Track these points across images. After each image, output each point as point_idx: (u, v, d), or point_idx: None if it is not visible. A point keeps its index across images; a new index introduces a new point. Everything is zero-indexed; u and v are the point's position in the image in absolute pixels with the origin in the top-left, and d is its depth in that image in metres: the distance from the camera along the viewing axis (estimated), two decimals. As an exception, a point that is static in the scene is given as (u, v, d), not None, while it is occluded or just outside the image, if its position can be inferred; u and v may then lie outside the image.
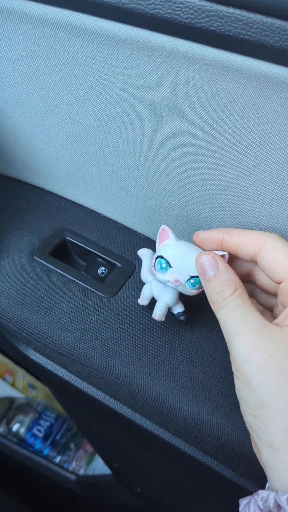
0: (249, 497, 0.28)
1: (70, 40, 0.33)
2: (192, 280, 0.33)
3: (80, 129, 0.40)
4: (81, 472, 0.69)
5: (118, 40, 0.31)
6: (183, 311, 0.37)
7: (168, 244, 0.34)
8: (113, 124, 0.38)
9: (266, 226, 0.36)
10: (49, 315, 0.39)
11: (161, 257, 0.33)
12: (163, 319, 0.36)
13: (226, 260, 0.32)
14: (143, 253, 0.40)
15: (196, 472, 0.42)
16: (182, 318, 0.38)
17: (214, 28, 0.26)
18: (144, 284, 0.38)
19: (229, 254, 0.33)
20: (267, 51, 0.26)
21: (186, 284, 0.33)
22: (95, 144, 0.41)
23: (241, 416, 0.35)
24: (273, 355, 0.27)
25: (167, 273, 0.33)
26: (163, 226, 0.35)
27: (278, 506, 0.26)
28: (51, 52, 0.35)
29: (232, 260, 0.35)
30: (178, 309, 0.37)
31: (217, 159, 0.34)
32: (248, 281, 0.35)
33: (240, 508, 0.29)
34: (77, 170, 0.45)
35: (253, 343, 0.27)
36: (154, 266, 0.34)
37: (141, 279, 0.42)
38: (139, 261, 0.44)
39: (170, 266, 0.33)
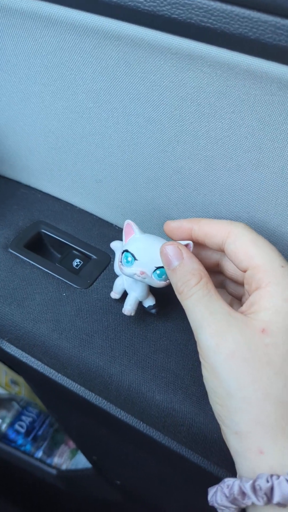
0: (216, 486, 0.29)
1: (38, 30, 0.33)
2: (158, 271, 0.33)
3: (53, 121, 0.40)
4: (64, 467, 0.69)
5: (84, 29, 0.31)
6: (154, 304, 0.37)
7: (134, 238, 0.34)
8: (84, 115, 0.38)
9: (236, 216, 0.37)
10: (22, 306, 0.39)
11: (127, 251, 0.33)
12: (132, 314, 0.36)
13: (191, 249, 0.32)
14: (116, 245, 0.40)
15: (173, 463, 0.42)
16: (153, 311, 0.38)
17: (176, 16, 0.26)
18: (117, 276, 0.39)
19: (198, 244, 0.33)
20: (227, 38, 0.26)
21: (152, 275, 0.33)
22: (68, 136, 0.41)
23: (212, 404, 0.35)
24: (239, 344, 0.27)
25: (133, 266, 0.33)
26: (128, 221, 0.35)
27: (243, 493, 0.26)
28: (20, 42, 0.35)
29: (201, 250, 0.35)
30: (149, 302, 0.37)
31: (187, 150, 0.35)
32: (217, 271, 0.36)
33: (209, 497, 0.29)
34: (52, 163, 0.45)
35: (219, 333, 0.27)
36: (121, 261, 0.34)
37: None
38: (114, 253, 0.44)
39: (135, 259, 0.33)
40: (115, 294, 0.38)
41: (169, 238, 0.34)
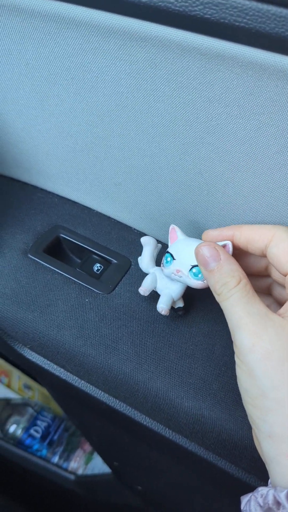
0: (250, 494, 0.28)
1: (60, 32, 0.33)
2: (194, 270, 0.33)
3: (72, 123, 0.39)
4: (80, 471, 0.68)
5: (109, 30, 0.30)
6: (182, 307, 0.38)
7: (177, 241, 0.35)
8: (106, 118, 0.37)
9: (262, 220, 0.36)
10: (45, 313, 0.38)
11: (167, 252, 0.35)
12: (167, 313, 0.36)
13: (231, 249, 0.32)
14: (146, 241, 0.39)
15: (198, 469, 0.42)
16: (180, 313, 0.38)
17: (209, 16, 0.26)
18: (144, 274, 0.39)
19: (241, 250, 0.33)
20: (262, 38, 0.25)
21: (188, 274, 0.34)
22: (87, 139, 0.40)
23: (242, 411, 0.35)
24: (275, 345, 0.27)
25: (171, 265, 0.34)
26: (172, 226, 0.36)
27: (278, 503, 0.26)
28: (41, 45, 0.34)
29: (249, 254, 0.35)
30: (180, 304, 0.38)
31: (212, 151, 0.34)
32: (266, 275, 0.35)
33: (242, 506, 0.28)
34: (70, 166, 0.44)
35: (256, 333, 0.27)
36: (163, 263, 0.35)
37: (137, 275, 0.41)
38: (135, 257, 0.43)
39: (173, 258, 0.34)
40: (144, 290, 0.37)
41: None
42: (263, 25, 0.25)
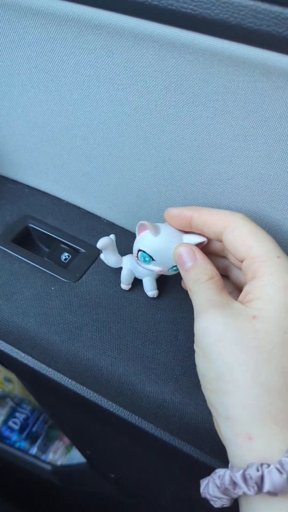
0: (208, 478, 0.29)
1: (19, 21, 0.33)
2: (174, 267, 0.35)
3: (37, 113, 0.40)
4: (59, 463, 0.69)
5: (65, 19, 0.31)
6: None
7: (147, 237, 0.34)
8: (69, 107, 0.37)
9: (226, 206, 0.36)
10: (10, 301, 0.39)
11: (143, 252, 0.34)
12: (158, 293, 0.40)
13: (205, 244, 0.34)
14: (105, 244, 0.37)
15: (165, 454, 0.42)
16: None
17: (157, 3, 0.26)
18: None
19: (198, 232, 0.34)
20: (209, 24, 0.26)
21: (168, 270, 0.35)
22: (53, 129, 0.40)
23: (203, 395, 0.35)
24: (228, 327, 0.27)
25: (151, 264, 0.35)
26: (142, 222, 0.34)
27: (234, 483, 0.26)
28: (1, 34, 0.35)
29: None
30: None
31: (172, 139, 0.34)
32: (223, 256, 0.36)
33: (201, 489, 0.29)
34: (38, 157, 0.44)
35: (211, 317, 0.28)
36: (138, 257, 0.35)
37: (105, 264, 0.42)
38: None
39: (153, 259, 0.34)
40: (126, 286, 0.40)
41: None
42: (208, 11, 0.25)
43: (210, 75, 0.29)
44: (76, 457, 0.69)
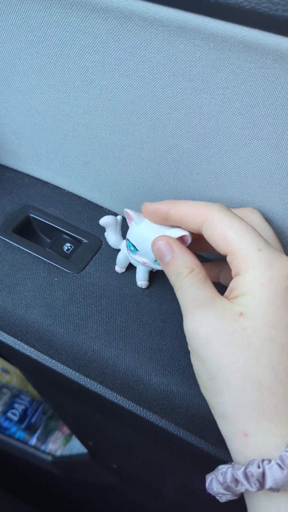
0: (212, 474, 0.29)
1: (22, 4, 0.32)
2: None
3: (39, 100, 0.39)
4: (59, 453, 0.69)
5: (71, 2, 0.30)
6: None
7: (133, 226, 0.34)
8: (72, 94, 0.37)
9: (230, 196, 0.36)
10: (13, 293, 0.38)
11: (128, 240, 0.34)
12: (146, 286, 0.39)
13: (189, 239, 0.32)
14: (106, 222, 0.38)
15: (169, 445, 0.42)
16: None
17: (168, -15, 0.25)
18: (115, 252, 0.39)
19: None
20: (222, 9, 0.25)
21: (154, 263, 0.34)
22: (55, 116, 0.39)
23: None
24: (215, 328, 0.27)
25: (136, 255, 0.35)
26: (126, 210, 0.34)
27: (236, 480, 0.26)
28: (2, 17, 0.34)
29: None
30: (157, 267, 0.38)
31: (179, 127, 0.34)
32: None
33: (206, 485, 0.29)
34: (39, 145, 0.43)
35: (197, 318, 0.28)
36: (127, 247, 0.35)
37: (108, 255, 0.41)
38: (106, 234, 0.43)
39: (136, 249, 0.34)
40: (120, 269, 0.40)
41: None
42: (222, -5, 0.24)
43: (220, 61, 0.28)
44: (75, 447, 0.69)
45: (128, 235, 0.35)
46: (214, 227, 0.29)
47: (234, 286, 0.28)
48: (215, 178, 0.35)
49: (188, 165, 0.36)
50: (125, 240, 0.39)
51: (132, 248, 0.34)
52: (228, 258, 0.29)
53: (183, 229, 0.32)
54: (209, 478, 0.29)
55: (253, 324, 0.26)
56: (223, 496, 0.28)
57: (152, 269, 0.37)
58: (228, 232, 0.28)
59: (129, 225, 0.35)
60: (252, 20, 0.25)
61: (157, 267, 0.35)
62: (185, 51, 0.29)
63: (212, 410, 0.29)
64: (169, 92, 0.32)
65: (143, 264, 0.35)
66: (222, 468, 0.27)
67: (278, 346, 0.26)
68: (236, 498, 0.28)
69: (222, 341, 0.27)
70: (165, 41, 0.29)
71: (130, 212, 0.34)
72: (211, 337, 0.27)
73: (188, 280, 0.29)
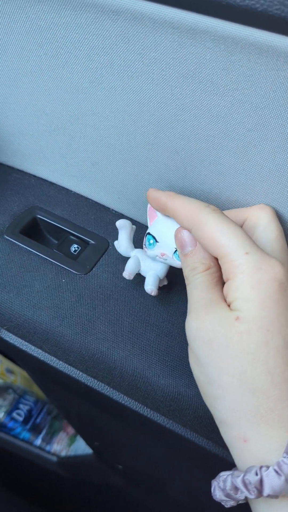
0: (214, 480, 0.29)
1: (31, 6, 0.32)
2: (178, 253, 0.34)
3: (46, 102, 0.39)
4: (63, 454, 0.69)
5: (80, 4, 0.30)
6: (166, 284, 0.39)
7: (156, 221, 0.35)
8: (80, 95, 0.37)
9: (236, 199, 0.36)
10: (21, 294, 0.38)
11: (149, 233, 0.34)
12: (156, 294, 0.36)
13: None
14: (122, 224, 0.38)
15: (176, 446, 0.42)
16: (163, 291, 0.39)
17: (179, -12, 0.25)
18: (126, 258, 0.38)
19: None
20: (233, 11, 0.25)
21: (173, 256, 0.34)
22: (62, 117, 0.39)
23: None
24: (216, 331, 0.27)
25: (155, 248, 0.34)
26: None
27: (235, 488, 0.26)
28: (12, 19, 0.34)
29: None
30: (163, 282, 0.39)
31: (187, 129, 0.34)
32: None
33: (212, 490, 0.29)
34: (46, 146, 0.43)
35: (201, 319, 0.28)
36: (145, 244, 0.35)
37: (115, 256, 0.41)
38: (113, 237, 0.43)
39: (156, 241, 0.34)
40: (129, 275, 0.37)
41: None
42: (234, -3, 0.24)
43: (231, 63, 0.28)
44: (80, 448, 0.69)
45: (150, 229, 0.35)
46: (204, 229, 0.29)
47: (226, 291, 0.28)
48: (223, 179, 0.35)
49: (195, 167, 0.36)
50: (137, 249, 0.38)
51: (151, 241, 0.34)
52: (219, 262, 0.29)
53: None
54: (213, 485, 0.28)
55: (248, 328, 0.26)
56: (227, 502, 0.28)
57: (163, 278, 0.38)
58: (217, 236, 0.28)
59: (148, 223, 0.35)
60: (264, 22, 0.25)
61: (174, 262, 0.34)
62: (195, 53, 0.29)
63: (213, 416, 0.29)
64: (178, 93, 0.32)
65: (162, 256, 0.34)
66: (223, 475, 0.28)
67: (273, 349, 0.26)
68: (241, 503, 0.28)
69: (221, 345, 0.27)
70: (175, 43, 0.29)
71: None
72: (211, 340, 0.27)
73: (201, 277, 0.29)
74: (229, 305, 0.28)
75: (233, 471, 0.27)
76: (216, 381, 0.27)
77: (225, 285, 0.28)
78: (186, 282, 0.30)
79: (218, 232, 0.28)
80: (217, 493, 0.27)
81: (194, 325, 0.28)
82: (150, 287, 0.36)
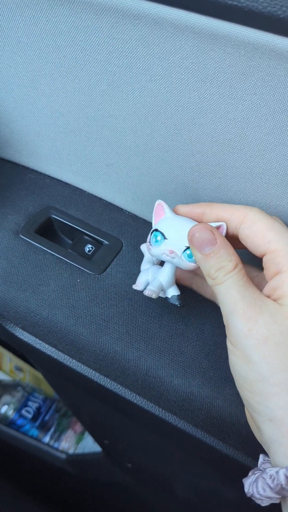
0: (253, 476, 0.28)
1: (53, 9, 0.32)
2: (188, 251, 0.32)
3: (64, 103, 0.39)
4: (71, 451, 0.69)
5: (102, 8, 0.30)
6: (178, 295, 0.35)
7: (164, 218, 0.33)
8: (97, 98, 0.37)
9: (253, 202, 0.36)
10: (36, 293, 0.39)
11: (156, 230, 0.33)
12: (154, 296, 0.34)
13: (225, 231, 0.32)
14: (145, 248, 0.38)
15: (187, 446, 0.42)
16: (177, 303, 0.35)
17: (202, -6, 0.26)
18: (136, 255, 0.39)
19: None
20: (255, 17, 0.25)
21: (182, 255, 0.32)
22: (79, 119, 0.40)
23: (231, 388, 0.35)
24: (271, 329, 0.27)
25: (162, 245, 0.32)
26: (159, 201, 0.34)
27: None
28: (32, 22, 0.34)
29: None
30: (173, 291, 0.35)
31: (204, 132, 0.34)
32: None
33: (246, 488, 0.28)
34: (62, 147, 0.44)
35: (252, 318, 0.27)
36: (149, 241, 0.33)
37: (129, 257, 0.42)
38: (127, 238, 0.43)
39: (165, 238, 0.32)
40: (138, 286, 0.35)
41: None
42: (255, 4, 0.25)
43: (250, 68, 0.28)
44: (88, 445, 0.69)
45: (157, 225, 0.33)
46: (254, 227, 0.30)
47: (276, 285, 0.29)
48: (238, 182, 0.36)
49: (211, 170, 0.36)
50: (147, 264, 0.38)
51: (158, 238, 0.32)
52: (265, 258, 0.30)
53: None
54: (249, 480, 0.28)
55: None
56: (268, 500, 0.27)
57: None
58: (268, 232, 0.30)
59: (153, 221, 0.34)
60: (285, 29, 0.25)
61: (182, 262, 0.32)
62: (215, 58, 0.29)
63: (254, 414, 0.28)
64: (196, 97, 0.32)
65: (170, 254, 0.32)
66: (271, 471, 0.27)
67: None
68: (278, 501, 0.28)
69: (277, 343, 0.27)
70: (195, 48, 0.29)
71: (163, 204, 0.33)
72: (267, 339, 0.27)
73: (234, 275, 0.29)
74: (275, 300, 0.28)
75: (284, 466, 0.26)
76: (271, 379, 0.27)
77: (274, 279, 0.29)
78: (213, 282, 0.29)
79: (270, 230, 0.30)
80: (261, 489, 0.27)
81: (245, 325, 0.27)
82: (150, 287, 0.34)
